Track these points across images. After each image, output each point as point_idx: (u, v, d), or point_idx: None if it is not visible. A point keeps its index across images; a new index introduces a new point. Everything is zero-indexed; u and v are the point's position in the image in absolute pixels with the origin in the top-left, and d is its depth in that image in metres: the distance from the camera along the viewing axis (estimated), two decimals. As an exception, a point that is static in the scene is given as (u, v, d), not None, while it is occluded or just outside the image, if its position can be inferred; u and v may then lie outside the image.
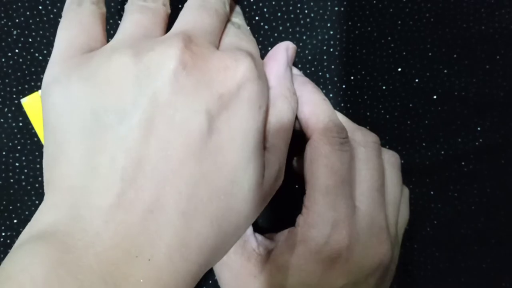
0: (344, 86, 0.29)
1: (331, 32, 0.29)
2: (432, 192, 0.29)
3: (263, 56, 0.24)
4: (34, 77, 0.28)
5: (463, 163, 0.29)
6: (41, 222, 0.16)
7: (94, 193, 0.16)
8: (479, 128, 0.29)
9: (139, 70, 0.17)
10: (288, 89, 0.22)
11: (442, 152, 0.29)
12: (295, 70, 0.23)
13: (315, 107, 0.22)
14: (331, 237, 0.21)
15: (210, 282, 0.28)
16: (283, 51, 0.23)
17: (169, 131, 0.16)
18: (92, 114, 0.17)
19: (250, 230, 0.23)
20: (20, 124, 0.28)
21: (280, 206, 0.29)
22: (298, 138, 0.24)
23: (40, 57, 0.28)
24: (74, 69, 0.18)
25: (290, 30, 0.28)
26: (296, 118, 0.23)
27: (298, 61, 0.29)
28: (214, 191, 0.17)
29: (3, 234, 0.28)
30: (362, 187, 0.23)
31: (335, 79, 0.29)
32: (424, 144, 0.29)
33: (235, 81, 0.18)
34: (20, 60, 0.27)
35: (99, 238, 0.15)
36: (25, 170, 0.28)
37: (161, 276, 0.16)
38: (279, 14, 0.28)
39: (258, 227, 0.23)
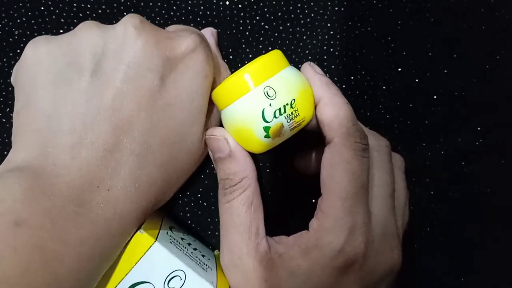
0: (344, 86, 0.29)
1: (331, 32, 0.29)
2: (432, 192, 0.29)
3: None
4: (35, 77, 0.28)
5: (463, 163, 0.29)
6: (14, 161, 0.19)
7: (60, 133, 0.19)
8: (479, 128, 0.29)
9: (99, 36, 0.20)
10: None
11: (442, 152, 0.29)
12: (318, 70, 0.23)
13: (338, 110, 0.21)
14: (348, 243, 0.20)
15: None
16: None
17: (124, 85, 0.20)
18: (57, 69, 0.20)
19: (262, 232, 0.22)
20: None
21: (287, 208, 0.29)
22: (305, 137, 0.23)
23: (41, 57, 0.28)
24: (44, 38, 0.21)
25: (290, 30, 0.28)
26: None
27: (298, 61, 0.29)
28: (163, 140, 0.21)
29: None
30: (375, 192, 0.22)
31: (335, 79, 0.29)
32: (424, 144, 0.29)
33: (181, 50, 0.21)
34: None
35: (67, 170, 0.19)
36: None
37: (118, 203, 0.19)
38: (279, 14, 0.28)
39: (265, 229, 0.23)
